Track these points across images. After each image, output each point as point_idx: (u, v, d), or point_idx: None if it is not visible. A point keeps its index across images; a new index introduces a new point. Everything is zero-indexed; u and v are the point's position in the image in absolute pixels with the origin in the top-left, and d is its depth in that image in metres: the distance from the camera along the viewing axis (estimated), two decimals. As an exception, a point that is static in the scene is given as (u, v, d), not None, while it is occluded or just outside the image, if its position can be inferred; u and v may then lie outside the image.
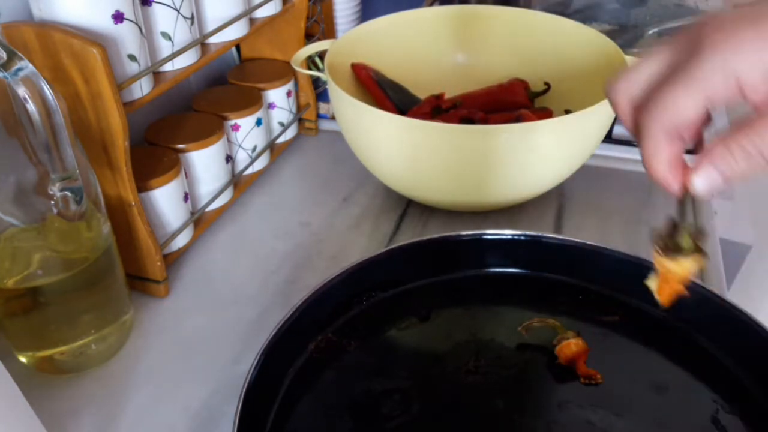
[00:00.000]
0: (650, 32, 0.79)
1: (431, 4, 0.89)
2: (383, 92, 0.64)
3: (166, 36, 0.50)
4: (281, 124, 0.71)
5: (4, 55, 0.35)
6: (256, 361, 0.39)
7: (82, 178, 0.40)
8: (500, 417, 0.41)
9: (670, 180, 0.28)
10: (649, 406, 0.42)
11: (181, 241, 0.57)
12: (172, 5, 0.50)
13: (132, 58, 0.47)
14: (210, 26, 0.56)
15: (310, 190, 0.67)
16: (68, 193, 0.39)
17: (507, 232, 0.51)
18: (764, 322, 0.42)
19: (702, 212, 0.61)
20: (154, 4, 0.49)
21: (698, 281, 0.46)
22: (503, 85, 0.67)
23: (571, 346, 0.44)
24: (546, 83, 0.67)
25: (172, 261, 0.57)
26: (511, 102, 0.65)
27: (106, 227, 0.45)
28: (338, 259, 0.57)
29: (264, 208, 0.65)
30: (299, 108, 0.74)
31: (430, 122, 0.52)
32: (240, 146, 0.64)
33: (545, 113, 0.62)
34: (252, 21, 0.62)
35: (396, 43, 0.70)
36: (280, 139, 0.72)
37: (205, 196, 0.60)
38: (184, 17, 0.51)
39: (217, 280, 0.56)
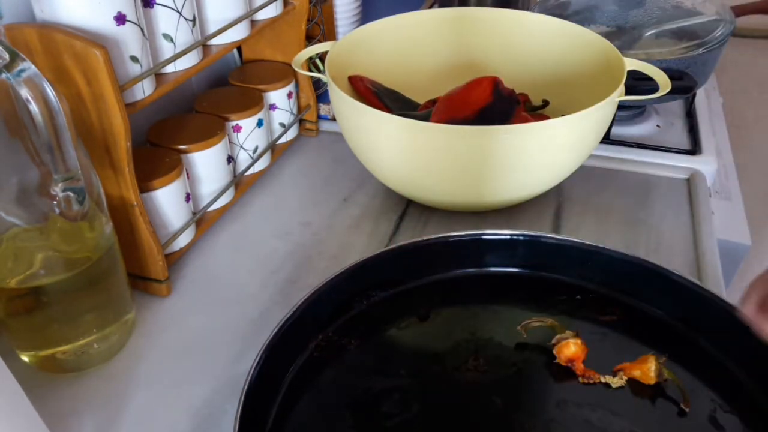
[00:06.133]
0: (648, 34, 0.79)
1: (431, 7, 0.89)
2: (382, 102, 0.64)
3: (168, 38, 0.51)
4: (282, 125, 0.71)
5: (7, 57, 0.35)
6: (257, 360, 0.40)
7: (85, 178, 0.40)
8: (499, 416, 0.41)
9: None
10: (647, 406, 0.42)
11: (182, 241, 0.57)
12: (174, 7, 0.50)
13: (134, 59, 0.47)
14: (211, 28, 0.57)
15: (311, 191, 0.68)
16: (71, 194, 0.39)
17: (506, 232, 0.51)
18: (761, 322, 0.43)
19: (700, 213, 0.61)
20: (156, 5, 0.49)
21: (696, 281, 0.47)
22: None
23: (569, 345, 0.44)
24: (544, 100, 0.67)
25: (174, 261, 0.57)
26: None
27: (108, 227, 0.45)
28: (338, 258, 0.58)
29: (265, 208, 0.65)
30: (300, 109, 0.74)
31: (430, 123, 0.53)
32: (241, 147, 0.64)
33: (541, 118, 0.62)
34: (253, 23, 0.63)
35: (396, 45, 0.70)
36: (281, 140, 0.72)
37: (206, 196, 0.60)
38: (186, 19, 0.51)
39: (218, 279, 0.56)
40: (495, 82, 0.60)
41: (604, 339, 0.47)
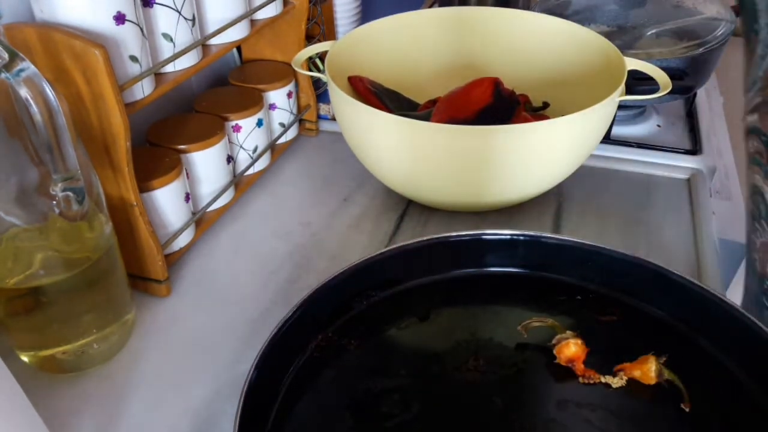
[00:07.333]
0: (648, 33, 0.79)
1: (431, 6, 0.89)
2: (382, 102, 0.64)
3: (168, 37, 0.51)
4: (282, 124, 0.71)
5: (6, 56, 0.35)
6: (256, 361, 0.40)
7: (84, 178, 0.40)
8: (499, 416, 0.41)
9: None
10: (647, 406, 0.42)
11: (182, 241, 0.57)
12: (174, 7, 0.50)
13: (133, 59, 0.47)
14: (211, 27, 0.57)
15: (311, 191, 0.68)
16: (70, 194, 0.39)
17: (506, 232, 0.51)
18: (762, 322, 0.43)
19: (700, 213, 0.61)
20: (155, 5, 0.49)
21: (697, 281, 0.47)
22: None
23: (570, 345, 0.44)
24: (545, 102, 0.67)
25: (174, 261, 0.57)
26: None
27: (107, 227, 0.45)
28: (338, 259, 0.58)
29: (265, 208, 0.65)
30: (300, 109, 0.74)
31: (430, 122, 0.53)
32: (241, 147, 0.64)
33: (541, 119, 0.62)
34: (253, 22, 0.63)
35: (396, 44, 0.70)
36: (281, 140, 0.72)
37: (206, 196, 0.60)
38: (186, 18, 0.51)
39: (218, 279, 0.56)
40: (495, 83, 0.60)
41: (604, 339, 0.47)
